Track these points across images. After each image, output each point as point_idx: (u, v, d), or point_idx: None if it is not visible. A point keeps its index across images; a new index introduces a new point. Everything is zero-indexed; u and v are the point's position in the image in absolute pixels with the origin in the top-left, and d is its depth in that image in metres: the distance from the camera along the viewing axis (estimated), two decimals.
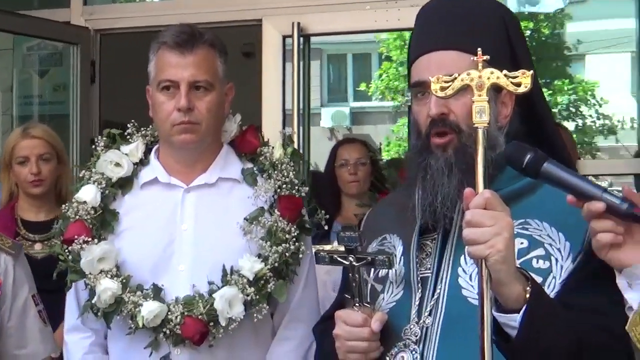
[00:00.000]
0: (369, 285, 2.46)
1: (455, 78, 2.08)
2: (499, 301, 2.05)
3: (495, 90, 2.13)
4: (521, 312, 2.03)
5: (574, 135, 17.32)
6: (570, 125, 18.27)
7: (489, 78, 2.05)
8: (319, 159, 7.27)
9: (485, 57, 2.07)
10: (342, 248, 2.39)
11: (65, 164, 4.77)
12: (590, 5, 20.47)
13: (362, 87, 22.23)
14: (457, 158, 2.29)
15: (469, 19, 2.38)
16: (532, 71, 2.05)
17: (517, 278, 2.04)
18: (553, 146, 2.39)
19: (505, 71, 2.06)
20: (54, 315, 3.78)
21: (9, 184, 4.70)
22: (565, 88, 19.04)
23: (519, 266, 2.08)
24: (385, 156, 8.76)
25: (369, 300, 2.39)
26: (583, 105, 19.90)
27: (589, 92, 19.99)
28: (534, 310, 2.03)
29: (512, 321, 2.04)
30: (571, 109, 19.44)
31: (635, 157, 6.37)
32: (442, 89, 2.10)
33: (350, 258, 2.34)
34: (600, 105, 19.94)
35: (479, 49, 2.08)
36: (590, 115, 19.95)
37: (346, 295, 2.40)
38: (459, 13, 2.39)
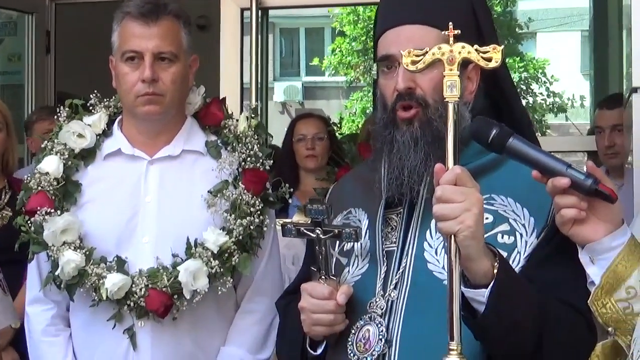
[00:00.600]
0: (334, 258, 2.47)
1: (427, 52, 2.09)
2: (467, 276, 2.07)
3: (462, 65, 2.14)
4: (489, 287, 2.05)
5: None
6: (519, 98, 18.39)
7: (460, 52, 2.06)
8: (271, 133, 7.26)
9: (456, 32, 2.08)
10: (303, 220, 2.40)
11: (12, 135, 4.70)
12: None
13: (315, 61, 22.19)
14: (422, 131, 2.30)
15: None
16: (502, 46, 2.07)
17: (486, 254, 2.06)
18: (519, 122, 2.42)
19: (476, 46, 2.07)
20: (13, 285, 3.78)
21: None
22: (517, 66, 19.15)
23: (486, 242, 2.10)
24: (344, 131, 8.76)
25: (334, 273, 2.40)
26: (534, 83, 20.07)
27: (540, 70, 20.15)
28: (501, 285, 2.05)
29: (480, 296, 2.06)
30: (522, 86, 19.57)
31: (589, 134, 6.44)
32: (413, 62, 2.11)
33: (317, 231, 2.35)
34: (550, 83, 20.13)
35: (450, 23, 2.09)
36: (541, 93, 20.13)
37: (312, 268, 2.40)
38: None
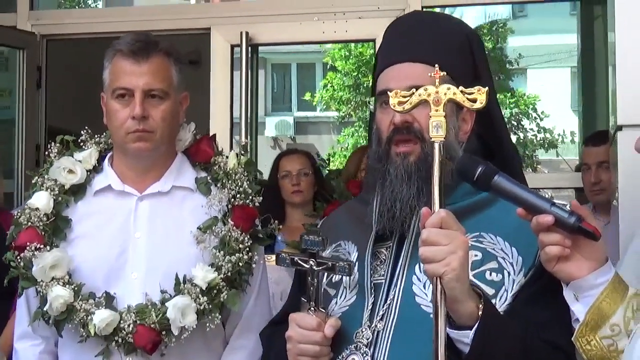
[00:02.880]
0: (322, 289, 2.48)
1: (413, 93, 2.13)
2: (452, 317, 2.09)
3: (458, 107, 2.17)
4: (474, 328, 2.07)
5: None
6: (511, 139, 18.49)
7: (445, 94, 2.10)
8: (262, 167, 7.29)
9: (442, 74, 2.12)
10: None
11: None
12: (531, 20, 20.76)
13: (307, 96, 22.25)
14: (417, 166, 2.33)
15: (436, 34, 2.45)
16: (487, 88, 2.10)
17: (471, 296, 2.09)
18: (510, 162, 2.46)
19: (461, 87, 2.10)
20: None
21: None
22: (507, 101, 19.24)
23: (472, 282, 2.12)
24: (332, 166, 8.79)
25: (323, 305, 2.42)
26: (524, 119, 20.16)
27: (530, 106, 20.25)
28: (485, 327, 2.07)
29: (465, 337, 2.09)
30: (513, 122, 19.66)
31: (576, 170, 6.47)
32: (400, 103, 2.15)
33: (311, 262, 2.37)
34: (541, 119, 20.23)
35: (436, 65, 2.13)
36: (532, 129, 20.22)
37: (302, 299, 2.42)
38: (428, 29, 2.47)
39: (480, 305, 2.08)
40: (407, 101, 2.14)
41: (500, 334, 2.11)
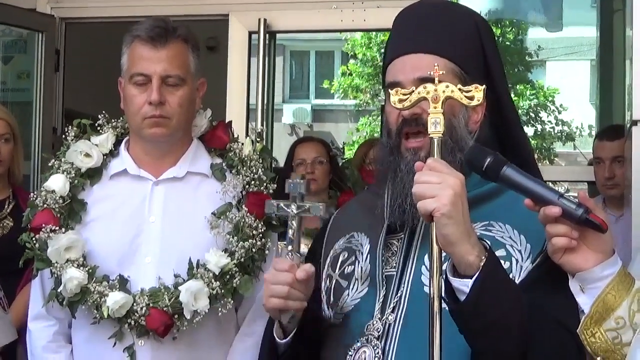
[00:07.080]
0: (334, 280, 2.50)
1: (413, 91, 2.19)
2: (456, 267, 2.10)
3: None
4: (473, 277, 2.07)
5: (533, 141, 17.55)
6: (529, 131, 18.48)
7: (444, 92, 2.15)
8: (279, 154, 7.32)
9: (441, 72, 2.18)
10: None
11: (19, 145, 4.72)
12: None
13: (325, 84, 22.23)
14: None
15: (445, 25, 2.45)
16: (484, 86, 2.15)
17: (472, 243, 2.08)
18: (521, 152, 2.47)
19: (459, 85, 2.17)
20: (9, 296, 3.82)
21: None
22: (527, 93, 19.21)
23: (480, 237, 2.13)
24: (347, 155, 8.82)
25: (299, 252, 2.40)
26: (543, 111, 20.12)
27: (549, 99, 20.19)
28: (486, 278, 2.06)
29: (465, 286, 2.08)
30: (531, 114, 19.62)
31: (589, 164, 6.46)
32: (400, 100, 2.21)
33: (292, 206, 2.38)
34: (559, 112, 20.17)
35: (436, 64, 2.19)
36: (550, 121, 20.18)
37: (282, 243, 2.44)
38: (436, 19, 2.47)
39: (484, 257, 2.08)
40: (407, 99, 2.19)
41: (501, 288, 2.11)
